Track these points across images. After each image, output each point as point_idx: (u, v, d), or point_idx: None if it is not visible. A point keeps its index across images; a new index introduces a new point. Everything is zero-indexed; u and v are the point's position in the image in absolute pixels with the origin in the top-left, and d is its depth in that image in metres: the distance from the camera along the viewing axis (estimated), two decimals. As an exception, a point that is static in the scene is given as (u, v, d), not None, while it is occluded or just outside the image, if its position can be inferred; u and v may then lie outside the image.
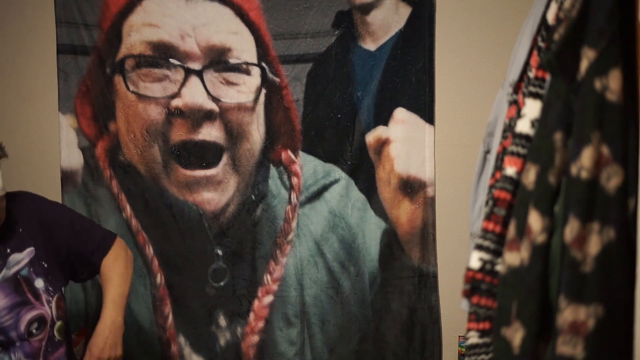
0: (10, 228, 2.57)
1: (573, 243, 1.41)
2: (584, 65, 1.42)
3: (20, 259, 2.57)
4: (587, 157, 1.40)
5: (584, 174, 1.40)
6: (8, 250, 2.57)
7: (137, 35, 3.35)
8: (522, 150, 1.74)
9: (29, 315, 2.56)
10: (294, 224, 3.38)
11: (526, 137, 1.73)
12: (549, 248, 1.50)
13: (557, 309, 1.44)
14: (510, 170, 1.74)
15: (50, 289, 2.60)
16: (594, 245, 1.40)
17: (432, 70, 3.30)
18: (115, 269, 2.72)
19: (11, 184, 3.47)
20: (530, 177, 1.55)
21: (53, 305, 2.60)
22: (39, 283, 2.59)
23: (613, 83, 1.40)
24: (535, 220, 1.51)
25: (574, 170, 1.41)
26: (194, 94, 3.34)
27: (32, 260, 2.59)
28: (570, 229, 1.41)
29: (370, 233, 3.36)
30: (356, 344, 3.39)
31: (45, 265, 2.60)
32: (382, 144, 3.33)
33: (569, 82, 1.45)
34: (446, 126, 3.32)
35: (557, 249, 1.46)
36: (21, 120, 3.47)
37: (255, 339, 3.40)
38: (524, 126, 1.74)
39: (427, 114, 3.31)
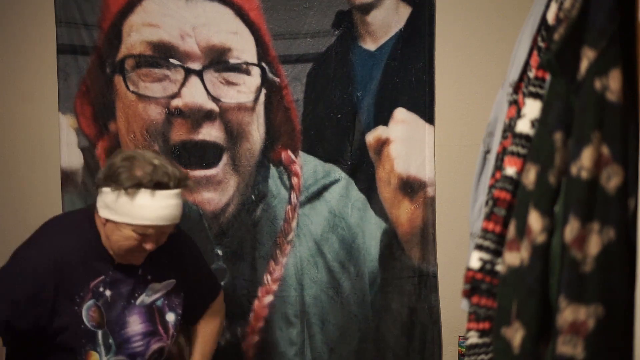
0: (155, 256, 2.57)
1: (573, 243, 1.41)
2: (584, 65, 1.42)
3: (158, 289, 2.60)
4: (587, 157, 1.39)
5: (584, 174, 1.40)
6: (149, 277, 2.60)
7: (137, 35, 3.35)
8: (522, 150, 1.73)
9: (156, 346, 2.61)
10: (294, 224, 3.38)
11: (526, 137, 1.73)
12: (549, 248, 1.50)
13: (557, 309, 1.44)
14: (510, 170, 1.74)
15: (178, 324, 2.67)
16: (594, 245, 1.40)
17: (432, 70, 3.30)
18: (211, 326, 2.88)
19: (11, 184, 3.48)
20: (530, 177, 1.55)
21: (173, 339, 2.68)
22: (170, 317, 2.65)
23: (613, 83, 1.40)
24: (535, 220, 1.51)
25: (574, 170, 1.41)
26: (194, 94, 3.34)
27: (169, 292, 2.63)
28: (570, 229, 1.41)
29: (370, 233, 3.36)
30: (356, 344, 3.39)
31: (178, 301, 2.66)
32: (382, 144, 3.33)
33: (569, 82, 1.45)
34: (446, 126, 3.31)
35: (557, 249, 1.46)
36: (21, 120, 3.46)
37: (255, 338, 3.39)
38: (524, 126, 1.74)
39: (427, 114, 3.31)
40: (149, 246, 2.45)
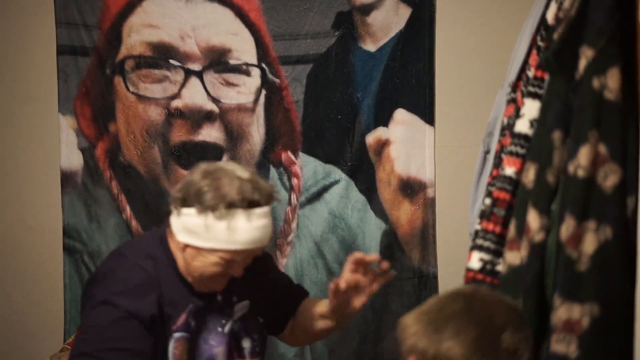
0: (234, 278, 2.22)
1: (568, 241, 1.40)
2: (582, 64, 1.41)
3: (237, 311, 2.27)
4: (584, 155, 1.39)
5: (581, 173, 1.39)
6: (234, 299, 2.25)
7: (137, 36, 3.35)
8: (521, 150, 1.73)
9: None
10: (294, 225, 3.38)
11: (525, 137, 1.72)
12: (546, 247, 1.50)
13: (552, 307, 1.43)
14: (509, 170, 1.74)
15: (257, 349, 2.30)
16: (589, 244, 1.39)
17: (432, 71, 3.30)
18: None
19: (11, 185, 3.48)
20: (529, 176, 1.55)
21: None
22: (246, 343, 2.28)
23: (611, 82, 1.39)
24: (533, 219, 1.50)
25: (571, 168, 1.41)
26: (193, 95, 3.34)
27: (245, 315, 2.28)
28: (566, 228, 1.40)
29: (370, 234, 3.36)
30: (356, 345, 3.38)
31: (254, 325, 2.30)
32: (382, 145, 3.33)
33: (567, 81, 1.44)
34: (446, 127, 3.31)
35: (552, 248, 1.45)
36: (21, 121, 3.46)
37: (255, 340, 3.38)
38: (523, 126, 1.74)
39: (427, 115, 3.31)
40: (237, 272, 2.13)
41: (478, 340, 1.46)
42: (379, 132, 3.33)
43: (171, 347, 2.15)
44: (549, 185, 1.49)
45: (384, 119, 3.33)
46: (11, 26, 3.43)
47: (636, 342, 1.39)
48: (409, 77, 3.30)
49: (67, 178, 3.43)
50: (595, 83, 1.40)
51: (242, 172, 2.08)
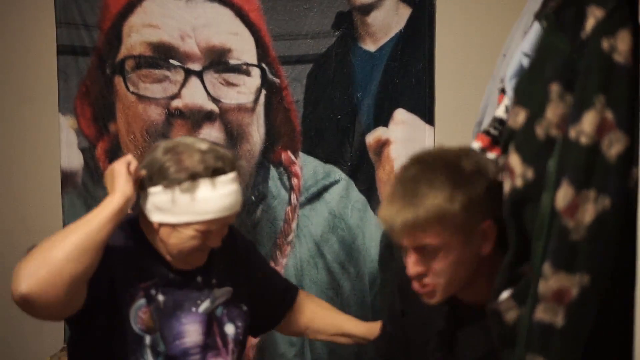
0: (217, 258, 2.26)
1: (565, 211, 1.37)
2: (590, 24, 1.37)
3: (219, 295, 2.27)
4: (588, 121, 1.34)
5: (584, 140, 1.35)
6: (214, 281, 2.26)
7: (137, 36, 3.36)
8: (493, 131, 1.74)
9: None
10: (293, 225, 3.37)
11: (499, 121, 1.73)
12: (523, 195, 1.47)
13: (541, 275, 1.40)
14: (476, 144, 1.75)
15: (240, 338, 2.31)
16: (587, 214, 1.36)
17: (432, 71, 3.29)
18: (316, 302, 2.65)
19: (11, 184, 3.48)
20: (518, 120, 1.49)
21: (236, 356, 2.29)
22: (229, 329, 2.28)
23: (621, 44, 1.34)
24: (516, 164, 1.47)
25: (572, 133, 1.36)
26: (194, 95, 3.34)
27: (228, 301, 2.28)
28: (564, 195, 1.37)
29: (370, 234, 3.35)
30: (356, 345, 3.36)
31: (238, 312, 2.31)
32: (382, 144, 3.32)
33: (571, 40, 1.40)
34: (446, 127, 3.31)
35: (546, 210, 1.42)
36: (21, 121, 3.47)
37: (255, 340, 3.38)
38: (500, 111, 1.75)
39: (427, 115, 3.30)
40: (214, 243, 2.15)
41: (449, 177, 1.58)
42: (379, 132, 3.33)
43: (134, 313, 2.13)
44: (536, 137, 1.45)
45: (383, 119, 3.32)
46: (11, 26, 3.45)
47: (636, 341, 1.35)
48: (409, 77, 3.30)
49: (67, 178, 3.43)
50: (605, 44, 1.35)
51: (202, 143, 2.12)
